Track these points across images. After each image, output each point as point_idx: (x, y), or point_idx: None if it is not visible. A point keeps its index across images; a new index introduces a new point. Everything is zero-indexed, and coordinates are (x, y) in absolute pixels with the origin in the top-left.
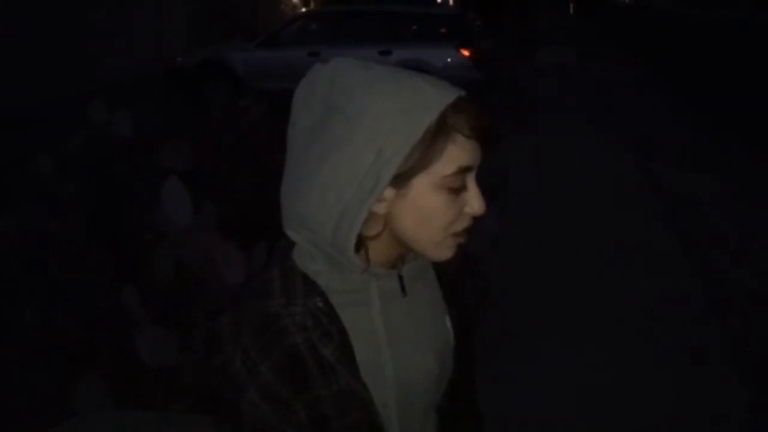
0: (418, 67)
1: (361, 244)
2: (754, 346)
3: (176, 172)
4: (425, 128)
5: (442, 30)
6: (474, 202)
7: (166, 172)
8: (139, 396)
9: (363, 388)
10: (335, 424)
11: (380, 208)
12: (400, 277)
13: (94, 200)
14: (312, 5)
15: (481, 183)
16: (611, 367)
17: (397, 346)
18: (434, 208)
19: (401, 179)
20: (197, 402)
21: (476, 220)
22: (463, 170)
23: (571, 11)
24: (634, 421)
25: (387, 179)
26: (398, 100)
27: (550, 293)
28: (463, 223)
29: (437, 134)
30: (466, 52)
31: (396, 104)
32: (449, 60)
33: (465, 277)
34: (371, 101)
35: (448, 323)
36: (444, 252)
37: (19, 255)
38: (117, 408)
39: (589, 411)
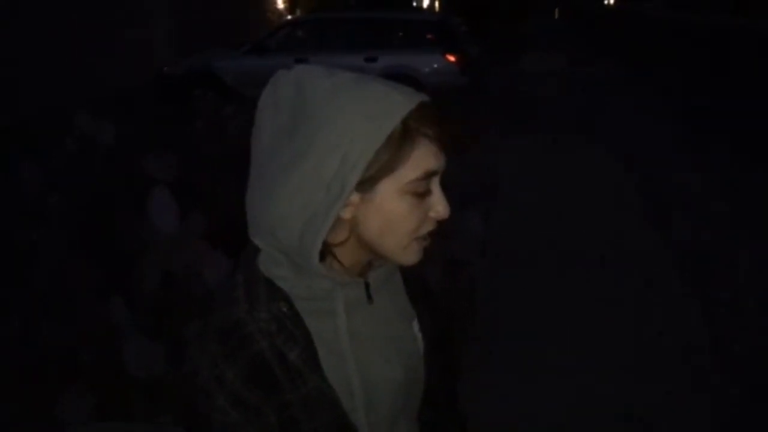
0: (404, 74)
1: (327, 251)
2: (744, 348)
3: (162, 181)
4: (389, 133)
5: (428, 36)
6: (439, 206)
7: (152, 181)
8: (126, 407)
9: (331, 390)
10: (305, 427)
11: (346, 213)
12: (367, 285)
13: (80, 210)
14: (298, 13)
15: (468, 188)
16: (601, 371)
17: (363, 355)
18: (400, 213)
19: (367, 184)
20: (181, 415)
21: (440, 224)
22: (429, 175)
23: (556, 16)
24: (626, 424)
25: (352, 184)
26: (362, 106)
27: (538, 298)
28: (428, 227)
29: (402, 139)
30: (452, 58)
31: (360, 110)
32: (435, 66)
33: (444, 282)
34: (335, 108)
35: (416, 329)
36: (410, 256)
37: (3, 266)
38: (103, 420)
39: (579, 415)
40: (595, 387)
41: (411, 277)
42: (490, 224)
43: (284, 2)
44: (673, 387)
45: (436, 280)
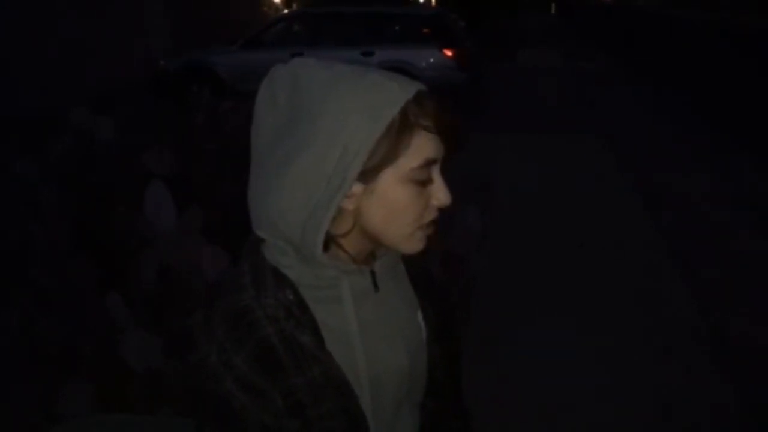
0: (401, 69)
1: (331, 241)
2: (738, 342)
3: (159, 176)
4: (388, 123)
5: (425, 30)
6: (440, 193)
7: (149, 176)
8: (126, 401)
9: (340, 373)
10: (311, 412)
11: (349, 204)
12: (372, 274)
13: (77, 206)
14: (294, 7)
15: (465, 183)
16: (596, 364)
17: (370, 342)
18: (402, 202)
19: (368, 174)
20: (184, 406)
21: (442, 211)
22: (429, 162)
23: (553, 11)
24: (620, 417)
25: (354, 175)
26: (360, 97)
27: (535, 292)
28: (430, 215)
29: (401, 129)
30: (449, 53)
31: (358, 101)
32: (432, 60)
33: (445, 275)
34: (334, 99)
35: (420, 318)
36: (414, 245)
37: (2, 261)
38: (103, 413)
39: (575, 407)
40: (593, 376)
41: (414, 266)
42: (488, 219)
43: None
44: (666, 381)
45: (429, 270)
